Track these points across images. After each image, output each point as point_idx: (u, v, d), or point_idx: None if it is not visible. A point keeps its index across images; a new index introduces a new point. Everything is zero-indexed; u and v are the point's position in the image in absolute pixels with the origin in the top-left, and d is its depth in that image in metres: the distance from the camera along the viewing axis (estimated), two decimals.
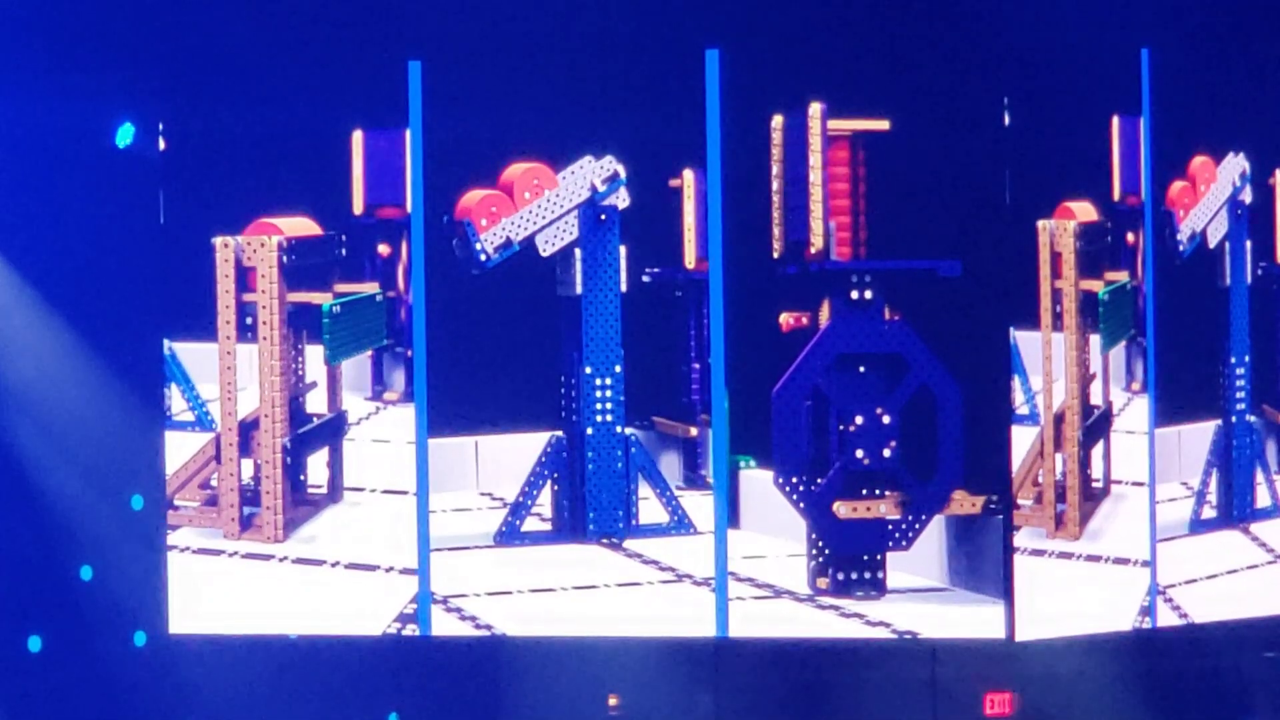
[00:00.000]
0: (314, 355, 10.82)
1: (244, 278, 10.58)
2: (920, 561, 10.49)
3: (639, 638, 10.41)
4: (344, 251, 10.72)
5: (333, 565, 10.71)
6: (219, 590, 10.66)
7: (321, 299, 10.69)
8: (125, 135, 10.62)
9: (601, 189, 10.58)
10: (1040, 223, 10.67)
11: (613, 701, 10.86)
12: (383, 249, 10.71)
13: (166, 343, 10.74)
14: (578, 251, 10.67)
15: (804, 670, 10.80)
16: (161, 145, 10.61)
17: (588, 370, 10.66)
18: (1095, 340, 10.92)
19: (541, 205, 10.59)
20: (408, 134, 10.47)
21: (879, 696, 10.79)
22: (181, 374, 10.80)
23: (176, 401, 10.78)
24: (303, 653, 10.66)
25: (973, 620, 10.34)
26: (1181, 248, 11.04)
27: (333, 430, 10.89)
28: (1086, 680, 10.85)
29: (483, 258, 10.53)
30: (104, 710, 10.70)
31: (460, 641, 10.57)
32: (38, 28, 10.33)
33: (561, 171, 10.60)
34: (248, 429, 10.69)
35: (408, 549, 10.58)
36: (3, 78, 10.29)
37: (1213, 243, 11.18)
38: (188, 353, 10.78)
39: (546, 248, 10.65)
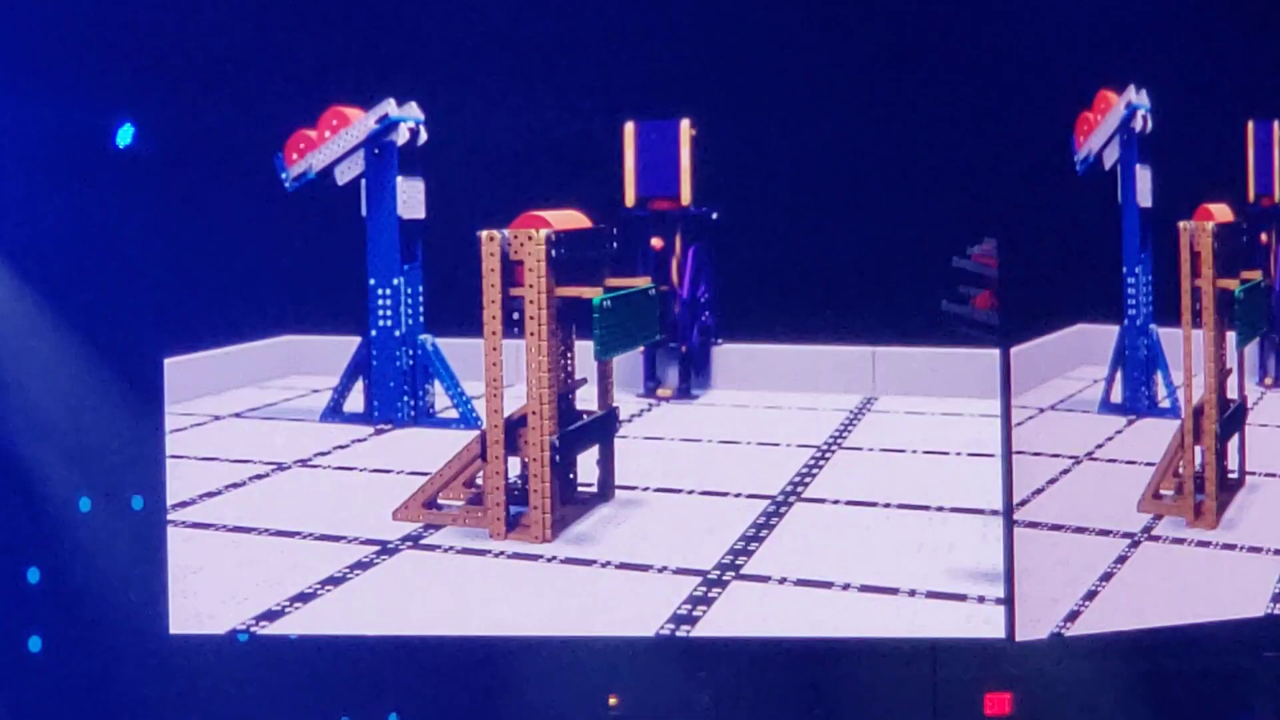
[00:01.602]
0: (583, 351, 10.62)
1: (511, 271, 10.42)
2: (921, 561, 10.50)
3: (639, 638, 10.39)
4: (615, 245, 10.65)
5: (603, 565, 10.49)
6: (485, 591, 10.37)
7: (591, 293, 10.47)
8: (125, 135, 10.62)
9: (375, 128, 11.29)
10: (1180, 224, 10.97)
11: (613, 701, 10.86)
12: (655, 242, 10.63)
13: (429, 337, 10.71)
14: (363, 182, 11.43)
15: (804, 670, 10.80)
16: (425, 136, 11.07)
17: (371, 282, 11.53)
18: (1231, 337, 11.18)
19: (336, 141, 11.23)
20: (682, 125, 10.73)
21: (879, 696, 10.79)
22: (445, 369, 10.72)
23: (440, 398, 10.66)
24: (303, 653, 10.65)
25: (973, 620, 10.35)
26: None
27: (603, 427, 10.77)
28: (1086, 680, 10.86)
29: (286, 185, 11.14)
30: (104, 710, 10.70)
31: (460, 641, 10.56)
32: (38, 28, 10.34)
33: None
34: (514, 426, 10.50)
35: (683, 548, 10.48)
36: (3, 78, 10.30)
37: None
38: (452, 348, 10.67)
39: (341, 178, 11.36)
